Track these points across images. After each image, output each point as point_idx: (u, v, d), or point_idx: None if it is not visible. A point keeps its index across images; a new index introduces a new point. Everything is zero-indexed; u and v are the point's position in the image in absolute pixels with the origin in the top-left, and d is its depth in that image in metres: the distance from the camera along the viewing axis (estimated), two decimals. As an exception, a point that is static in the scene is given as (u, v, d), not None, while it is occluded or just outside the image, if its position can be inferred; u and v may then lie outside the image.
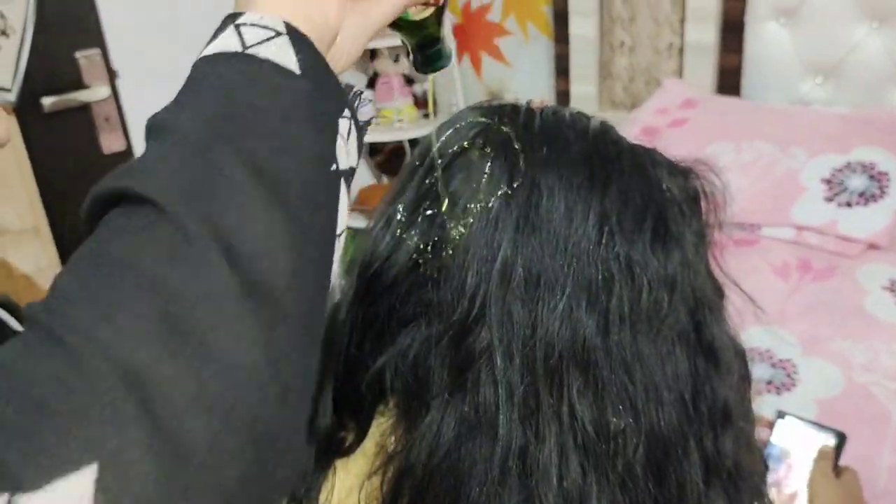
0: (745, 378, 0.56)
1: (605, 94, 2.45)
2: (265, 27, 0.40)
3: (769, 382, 1.37)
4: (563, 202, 0.50)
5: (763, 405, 1.13)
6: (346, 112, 0.43)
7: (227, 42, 0.40)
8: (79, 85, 1.70)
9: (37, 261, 1.75)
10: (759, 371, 1.41)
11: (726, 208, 0.56)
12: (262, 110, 0.38)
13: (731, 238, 1.76)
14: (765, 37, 2.10)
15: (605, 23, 2.35)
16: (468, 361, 0.47)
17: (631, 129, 2.13)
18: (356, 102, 0.44)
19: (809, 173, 1.81)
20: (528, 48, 2.59)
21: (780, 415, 1.03)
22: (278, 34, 0.40)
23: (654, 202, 0.51)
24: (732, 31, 2.14)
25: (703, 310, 0.52)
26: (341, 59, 0.45)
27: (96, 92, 1.72)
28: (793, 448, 1.00)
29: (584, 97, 2.44)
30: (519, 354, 0.47)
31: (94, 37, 1.71)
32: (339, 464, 0.51)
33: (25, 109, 1.66)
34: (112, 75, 1.75)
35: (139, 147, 1.81)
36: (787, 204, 1.80)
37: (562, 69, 2.47)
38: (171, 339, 0.32)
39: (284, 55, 0.40)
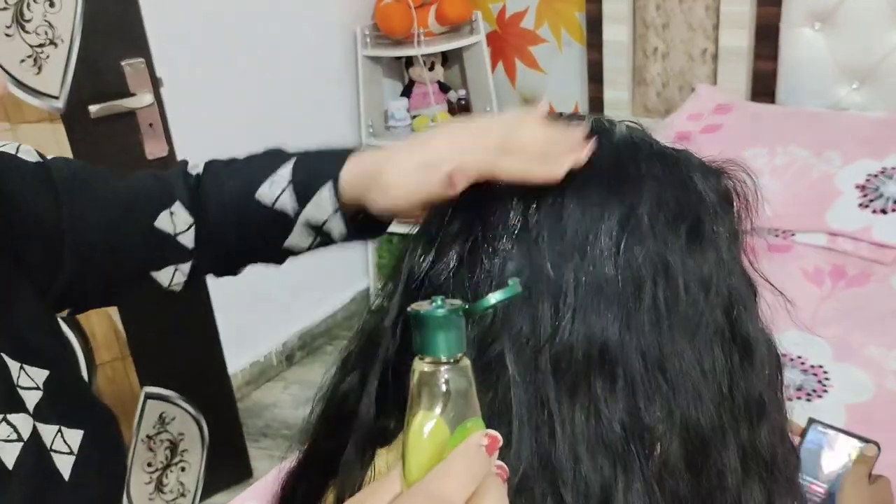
0: (778, 372, 0.58)
1: (638, 100, 2.46)
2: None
3: (800, 388, 1.37)
4: (578, 208, 0.52)
5: (794, 411, 1.13)
6: None
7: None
8: (124, 93, 1.76)
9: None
10: (790, 376, 1.41)
11: (759, 208, 0.58)
12: None
13: (764, 243, 1.77)
14: (800, 42, 2.10)
15: (638, 29, 2.36)
16: (487, 365, 0.49)
17: (664, 134, 2.13)
18: None
19: (844, 178, 1.80)
20: (562, 55, 2.61)
21: (811, 422, 1.02)
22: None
23: (689, 204, 0.53)
24: (767, 36, 2.14)
25: (738, 307, 0.53)
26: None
27: (141, 99, 1.77)
28: (824, 455, 1.00)
29: (618, 103, 2.45)
30: (531, 359, 0.49)
31: (140, 46, 1.76)
32: (380, 452, 0.53)
33: (73, 116, 1.72)
34: (156, 83, 1.80)
35: (181, 152, 1.87)
36: (821, 209, 1.79)
37: (595, 75, 2.48)
38: None
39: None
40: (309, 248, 0.74)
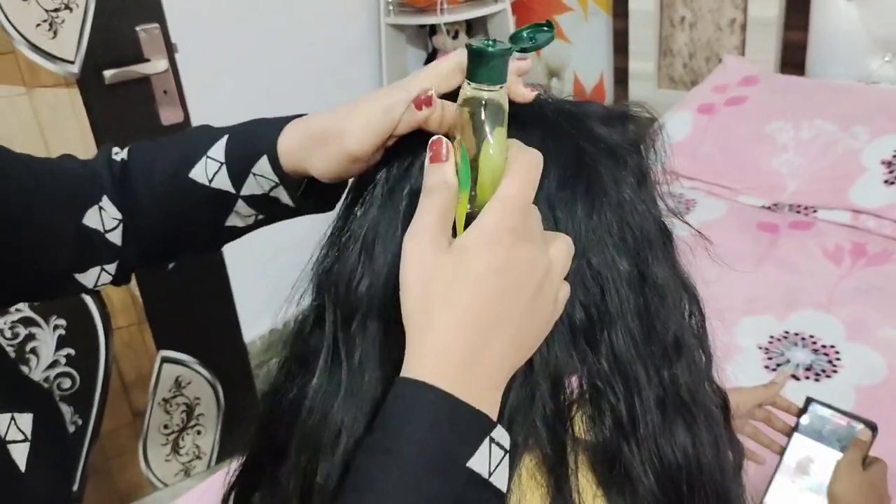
0: (698, 314, 0.58)
1: (664, 71, 2.40)
2: (503, 448, 0.46)
3: (809, 368, 1.34)
4: None
5: (801, 391, 1.10)
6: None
7: (483, 462, 0.44)
8: (139, 58, 1.76)
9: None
10: (799, 356, 1.37)
11: (664, 148, 0.58)
12: None
13: (785, 222, 1.73)
14: (832, 12, 2.02)
15: (665, -3, 2.30)
16: None
17: (687, 106, 2.09)
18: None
19: (870, 154, 1.74)
20: (588, 24, 2.55)
21: (808, 402, 1.00)
22: (505, 453, 0.46)
23: (578, 153, 0.54)
24: (798, 6, 2.07)
25: (645, 246, 0.54)
26: None
27: (155, 65, 1.77)
28: (818, 436, 0.98)
29: (643, 74, 2.40)
30: None
31: (154, 12, 1.76)
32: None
33: (88, 81, 1.73)
34: (171, 49, 1.80)
35: (196, 119, 1.87)
36: (844, 185, 1.74)
37: (621, 45, 2.43)
38: None
39: (504, 476, 0.46)
40: (254, 226, 0.70)
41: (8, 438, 0.60)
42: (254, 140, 0.65)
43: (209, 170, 0.66)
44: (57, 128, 1.72)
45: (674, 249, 0.58)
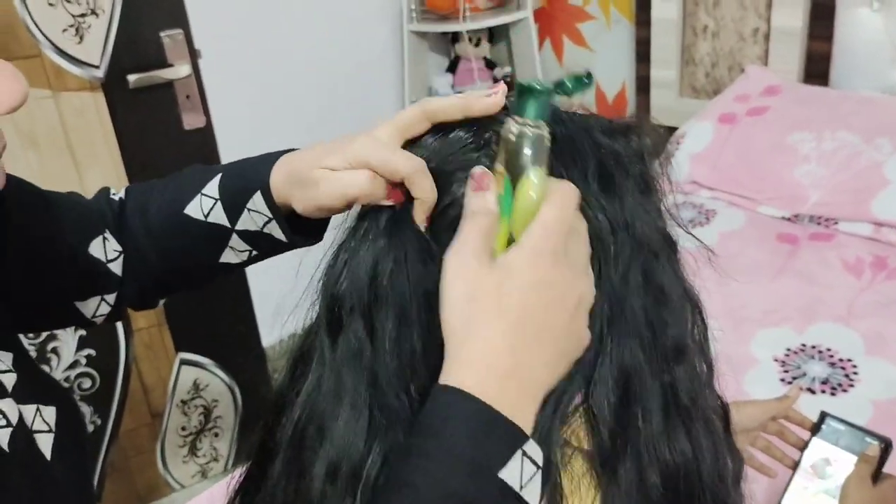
0: (701, 325, 0.59)
1: (686, 80, 2.39)
2: (535, 463, 0.46)
3: (825, 382, 1.33)
4: None
5: (816, 405, 1.09)
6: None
7: (514, 475, 0.45)
8: (163, 63, 1.79)
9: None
10: (816, 370, 1.36)
11: (668, 161, 0.59)
12: None
13: (805, 233, 1.71)
14: (856, 22, 2.00)
15: (688, 6, 2.29)
16: None
17: (708, 116, 2.08)
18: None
19: (893, 166, 1.72)
20: (610, 32, 2.55)
21: (823, 417, 0.99)
22: (538, 469, 0.46)
23: (593, 156, 0.55)
24: (822, 16, 2.05)
25: (647, 253, 0.55)
26: None
27: (179, 70, 1.80)
28: (832, 451, 0.97)
29: (665, 82, 2.39)
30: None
31: (178, 18, 1.78)
32: None
33: (112, 85, 1.76)
34: (194, 55, 1.82)
35: (218, 125, 1.89)
36: (867, 198, 1.72)
37: (643, 54, 2.42)
38: None
39: (535, 492, 0.46)
40: (248, 262, 0.71)
41: (34, 428, 0.61)
42: (247, 176, 0.66)
43: (204, 206, 0.67)
44: (81, 131, 1.75)
45: (678, 260, 0.58)
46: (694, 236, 0.62)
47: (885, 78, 1.99)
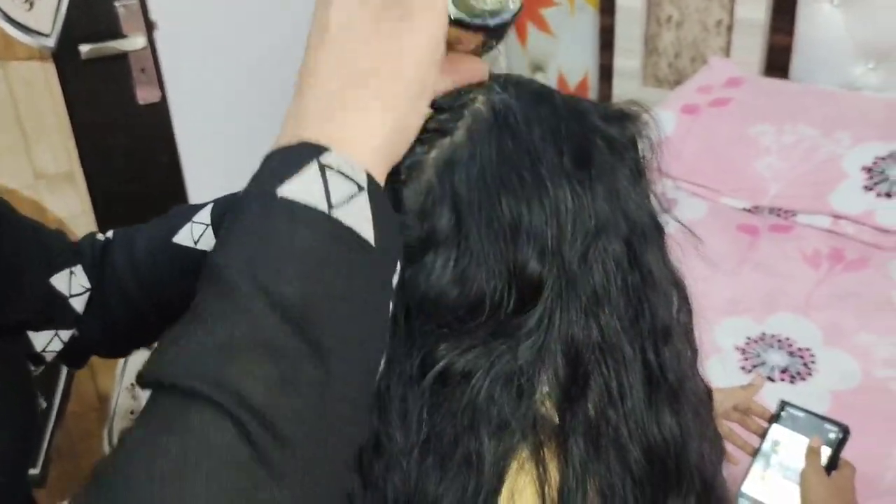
0: (686, 309, 0.59)
1: (649, 70, 2.39)
2: (350, 178, 0.39)
3: (784, 370, 1.34)
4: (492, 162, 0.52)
5: (776, 393, 1.11)
6: (399, 264, 0.44)
7: (312, 190, 0.38)
8: (117, 34, 1.73)
9: (70, 206, 1.79)
10: (775, 358, 1.37)
11: (661, 148, 0.58)
12: (337, 297, 0.38)
13: (765, 224, 1.73)
14: (817, 17, 2.02)
15: (653, -4, 2.29)
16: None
17: (671, 106, 2.09)
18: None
19: (851, 160, 1.75)
20: (574, 19, 2.54)
21: (783, 405, 1.01)
22: (360, 190, 0.39)
23: (577, 135, 0.54)
24: (784, 9, 2.06)
25: (637, 236, 0.54)
26: None
27: (133, 42, 1.74)
28: (792, 439, 0.98)
29: (628, 72, 2.39)
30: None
31: (134, -13, 1.73)
32: None
33: (63, 55, 1.69)
34: (150, 26, 1.76)
35: (173, 99, 1.83)
36: (825, 190, 1.74)
37: (606, 42, 2.41)
38: None
39: (363, 219, 0.39)
40: None
41: None
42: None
43: (195, 232, 0.66)
44: (31, 102, 1.68)
45: (665, 246, 0.58)
46: (683, 224, 0.62)
47: (845, 73, 2.02)
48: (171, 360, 0.36)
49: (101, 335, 0.72)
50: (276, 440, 0.35)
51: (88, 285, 0.69)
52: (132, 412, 2.06)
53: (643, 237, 0.55)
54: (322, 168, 0.38)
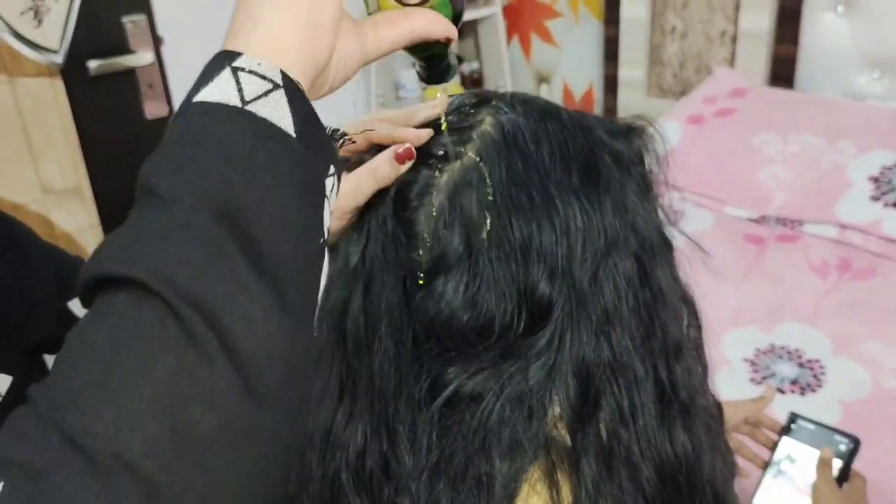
0: (696, 325, 0.59)
1: (653, 80, 2.40)
2: (263, 77, 0.40)
3: (794, 382, 1.34)
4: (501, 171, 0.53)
5: (786, 405, 1.10)
6: (332, 168, 0.43)
7: (226, 90, 0.39)
8: (124, 50, 1.74)
9: (78, 220, 1.80)
10: (785, 370, 1.37)
11: (668, 161, 0.58)
12: (261, 187, 0.38)
13: (772, 234, 1.73)
14: (822, 27, 2.03)
15: (657, 6, 2.30)
16: None
17: (676, 116, 2.09)
18: (339, 147, 0.45)
19: (857, 169, 1.75)
20: (578, 30, 2.55)
21: (793, 418, 1.00)
22: (275, 87, 0.40)
23: (585, 152, 0.54)
24: (788, 20, 2.07)
25: (647, 252, 0.54)
26: (329, 83, 0.47)
27: (141, 57, 1.75)
28: (803, 451, 0.98)
29: (633, 82, 2.40)
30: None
31: (141, 3, 1.73)
32: None
33: (71, 71, 1.70)
34: (157, 42, 1.77)
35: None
36: (831, 200, 1.74)
37: (611, 53, 2.42)
38: (173, 443, 0.33)
39: (281, 113, 0.39)
40: None
41: None
42: None
43: None
44: (39, 118, 1.69)
45: (674, 261, 0.58)
46: (690, 239, 0.61)
47: (849, 82, 2.02)
48: (102, 255, 0.37)
49: None
50: (205, 322, 0.34)
51: None
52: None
53: (652, 253, 0.55)
54: (234, 70, 0.39)
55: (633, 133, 0.57)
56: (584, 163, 0.54)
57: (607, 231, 0.52)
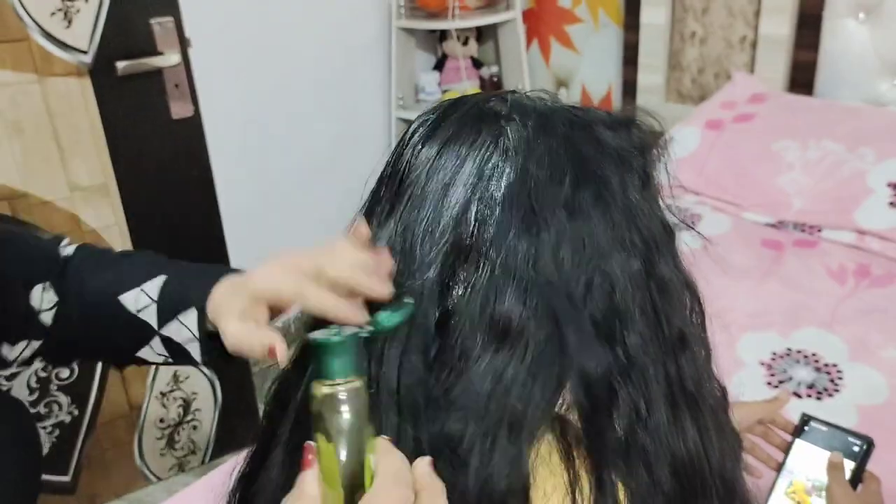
0: (699, 311, 0.60)
1: (672, 85, 2.41)
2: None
3: (811, 386, 1.34)
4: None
5: (803, 409, 1.11)
6: None
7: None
8: (152, 51, 1.76)
9: (104, 217, 1.83)
10: (802, 374, 1.38)
11: (668, 154, 0.60)
12: None
13: (790, 240, 1.73)
14: (842, 33, 2.03)
15: (677, 12, 2.31)
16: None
17: (695, 121, 2.10)
18: None
19: (877, 176, 1.75)
20: (598, 36, 2.56)
21: (806, 419, 1.01)
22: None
23: (586, 158, 0.55)
24: (809, 25, 2.07)
25: (651, 246, 0.55)
26: None
27: (168, 58, 1.78)
28: (815, 453, 0.98)
29: (652, 87, 2.41)
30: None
31: (169, 4, 1.76)
32: None
33: (100, 71, 1.73)
34: (184, 43, 1.80)
35: (206, 114, 1.87)
36: (850, 206, 1.75)
37: (630, 58, 2.43)
38: None
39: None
40: (161, 364, 0.72)
41: None
42: (190, 290, 0.68)
43: (140, 301, 0.69)
44: (67, 117, 1.72)
45: (676, 246, 0.59)
46: (698, 232, 0.63)
47: (870, 88, 2.02)
48: None
49: (56, 349, 0.75)
50: None
51: (56, 299, 0.72)
52: (161, 420, 2.09)
53: (656, 247, 0.56)
54: None
55: (632, 124, 0.59)
56: (587, 169, 0.55)
57: (610, 240, 0.54)
